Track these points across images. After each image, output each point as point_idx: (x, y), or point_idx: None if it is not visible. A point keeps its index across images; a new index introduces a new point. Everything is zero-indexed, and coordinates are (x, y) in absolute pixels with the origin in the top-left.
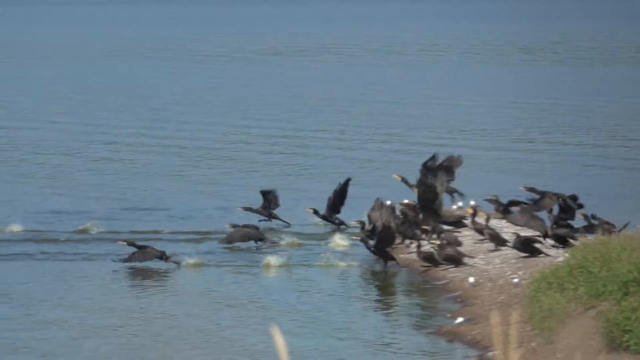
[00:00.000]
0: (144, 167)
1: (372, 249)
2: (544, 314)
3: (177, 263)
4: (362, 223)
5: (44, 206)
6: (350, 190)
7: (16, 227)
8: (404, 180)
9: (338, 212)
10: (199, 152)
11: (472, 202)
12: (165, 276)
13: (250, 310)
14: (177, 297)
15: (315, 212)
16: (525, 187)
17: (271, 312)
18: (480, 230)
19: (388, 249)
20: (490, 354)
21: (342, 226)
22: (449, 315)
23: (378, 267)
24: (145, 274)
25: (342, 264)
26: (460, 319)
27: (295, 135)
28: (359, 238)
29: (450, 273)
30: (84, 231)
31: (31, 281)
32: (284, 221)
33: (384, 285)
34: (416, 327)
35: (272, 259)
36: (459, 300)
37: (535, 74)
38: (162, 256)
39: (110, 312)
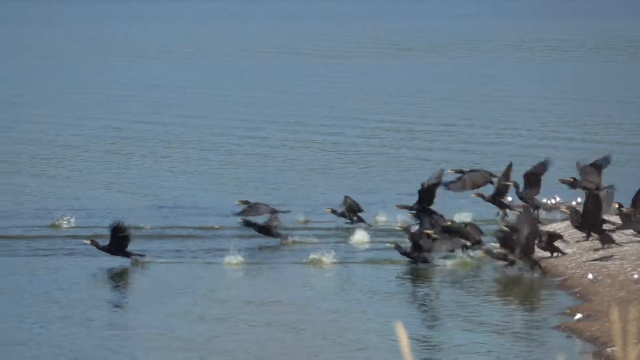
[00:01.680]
0: (283, 163)
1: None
2: None
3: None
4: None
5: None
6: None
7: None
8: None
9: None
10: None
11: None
12: (282, 270)
13: (374, 302)
14: (313, 291)
15: (333, 211)
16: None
17: (396, 304)
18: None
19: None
20: (609, 350)
21: (362, 224)
22: (568, 312)
23: (491, 264)
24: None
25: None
26: (579, 315)
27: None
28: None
29: (569, 269)
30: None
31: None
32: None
33: (504, 282)
34: (535, 323)
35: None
36: (578, 296)
37: None
38: (274, 212)
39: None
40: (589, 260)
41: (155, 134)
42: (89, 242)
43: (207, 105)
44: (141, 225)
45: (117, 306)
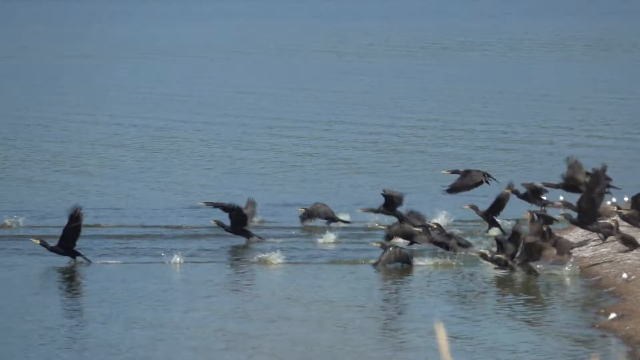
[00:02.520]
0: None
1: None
2: None
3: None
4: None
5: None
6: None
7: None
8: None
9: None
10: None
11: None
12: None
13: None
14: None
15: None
16: (448, 170)
17: (436, 303)
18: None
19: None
20: None
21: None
22: (602, 311)
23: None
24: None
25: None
26: (613, 315)
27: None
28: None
29: (603, 269)
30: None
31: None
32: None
33: (538, 281)
34: (569, 322)
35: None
36: (612, 295)
37: None
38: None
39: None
40: (623, 260)
41: (193, 133)
42: (37, 241)
43: (248, 104)
44: (181, 225)
45: (163, 305)
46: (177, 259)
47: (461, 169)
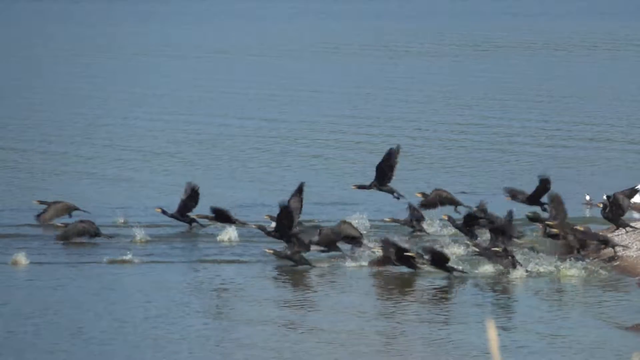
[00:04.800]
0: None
1: None
2: None
3: None
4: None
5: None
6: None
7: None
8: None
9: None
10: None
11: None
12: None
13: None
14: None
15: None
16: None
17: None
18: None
19: None
20: None
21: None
22: None
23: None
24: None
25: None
26: None
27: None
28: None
29: None
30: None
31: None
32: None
33: (579, 281)
34: (610, 322)
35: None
36: None
37: None
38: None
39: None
40: None
41: (229, 133)
42: None
43: (292, 105)
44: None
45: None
46: None
47: (367, 183)
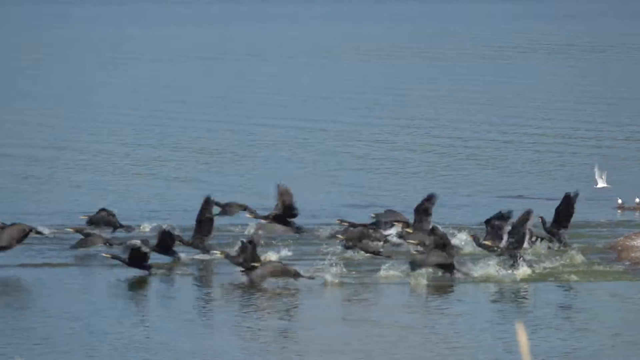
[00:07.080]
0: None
1: None
2: None
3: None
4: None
5: None
6: None
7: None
8: None
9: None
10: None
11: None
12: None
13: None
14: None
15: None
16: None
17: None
18: None
19: None
20: None
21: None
22: None
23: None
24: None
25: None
26: None
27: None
28: None
29: None
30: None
31: None
32: None
33: (605, 283)
34: None
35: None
36: None
37: None
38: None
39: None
40: None
41: (265, 137)
42: None
43: (328, 108)
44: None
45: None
46: None
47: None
